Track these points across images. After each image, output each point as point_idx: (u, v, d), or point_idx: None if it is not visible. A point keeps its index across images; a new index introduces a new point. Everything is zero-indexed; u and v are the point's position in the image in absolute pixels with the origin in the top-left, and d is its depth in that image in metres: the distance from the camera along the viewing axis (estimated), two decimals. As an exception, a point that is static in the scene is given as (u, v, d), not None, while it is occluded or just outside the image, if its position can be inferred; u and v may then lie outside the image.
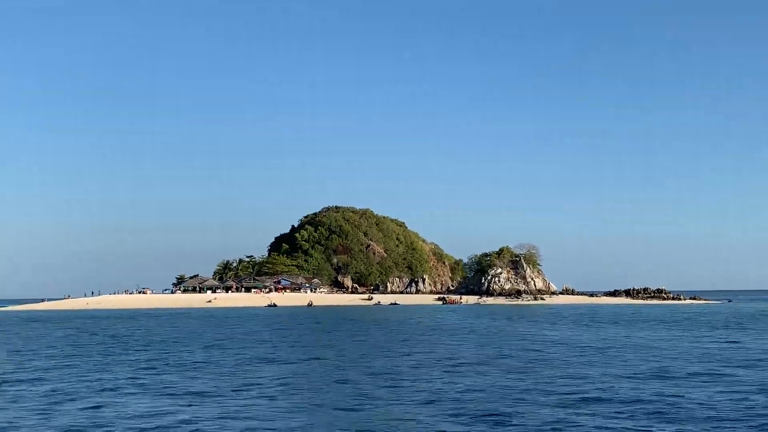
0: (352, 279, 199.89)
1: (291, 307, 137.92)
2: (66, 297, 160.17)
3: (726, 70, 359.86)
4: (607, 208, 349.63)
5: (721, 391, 23.49)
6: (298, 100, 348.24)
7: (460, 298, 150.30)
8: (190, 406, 21.54)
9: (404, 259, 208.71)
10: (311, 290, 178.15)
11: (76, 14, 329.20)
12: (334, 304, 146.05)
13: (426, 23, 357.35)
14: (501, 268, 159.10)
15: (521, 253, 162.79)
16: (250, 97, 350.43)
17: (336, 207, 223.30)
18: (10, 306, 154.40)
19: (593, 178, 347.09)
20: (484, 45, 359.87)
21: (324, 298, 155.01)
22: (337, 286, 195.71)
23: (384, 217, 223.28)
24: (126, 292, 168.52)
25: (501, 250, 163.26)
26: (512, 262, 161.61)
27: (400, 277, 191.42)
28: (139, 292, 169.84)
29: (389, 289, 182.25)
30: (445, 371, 29.46)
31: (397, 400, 22.22)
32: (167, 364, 33.23)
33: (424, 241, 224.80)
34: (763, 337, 49.26)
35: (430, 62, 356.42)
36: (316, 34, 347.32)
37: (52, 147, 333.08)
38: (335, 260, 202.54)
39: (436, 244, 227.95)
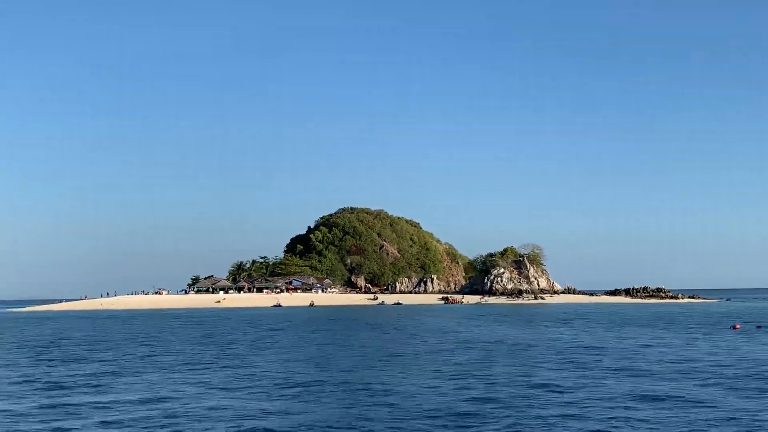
0: (366, 279, 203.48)
1: (295, 307, 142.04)
2: (83, 297, 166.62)
3: (726, 69, 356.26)
4: (615, 207, 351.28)
5: (572, 374, 26.09)
6: (321, 102, 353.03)
7: (462, 298, 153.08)
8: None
9: (417, 259, 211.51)
10: (322, 290, 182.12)
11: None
12: (337, 304, 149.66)
13: (440, 21, 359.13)
14: (504, 268, 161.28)
15: (525, 253, 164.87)
16: (268, 98, 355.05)
17: (351, 208, 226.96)
18: (28, 307, 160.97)
19: (603, 178, 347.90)
20: (498, 46, 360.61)
21: (329, 298, 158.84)
22: (351, 286, 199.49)
23: (399, 218, 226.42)
24: (142, 292, 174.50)
25: (505, 250, 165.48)
26: (516, 262, 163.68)
27: (409, 277, 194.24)
28: (155, 293, 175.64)
29: (398, 288, 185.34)
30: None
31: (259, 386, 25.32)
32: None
33: (438, 241, 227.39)
34: (696, 336, 50.99)
35: (443, 63, 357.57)
36: (331, 34, 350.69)
37: (63, 145, 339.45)
38: (349, 261, 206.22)
39: (450, 245, 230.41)
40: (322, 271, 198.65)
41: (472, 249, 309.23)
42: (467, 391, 25.09)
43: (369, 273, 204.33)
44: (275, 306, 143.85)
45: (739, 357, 35.76)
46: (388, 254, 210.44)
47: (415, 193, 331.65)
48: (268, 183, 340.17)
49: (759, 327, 59.31)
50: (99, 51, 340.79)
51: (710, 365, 32.13)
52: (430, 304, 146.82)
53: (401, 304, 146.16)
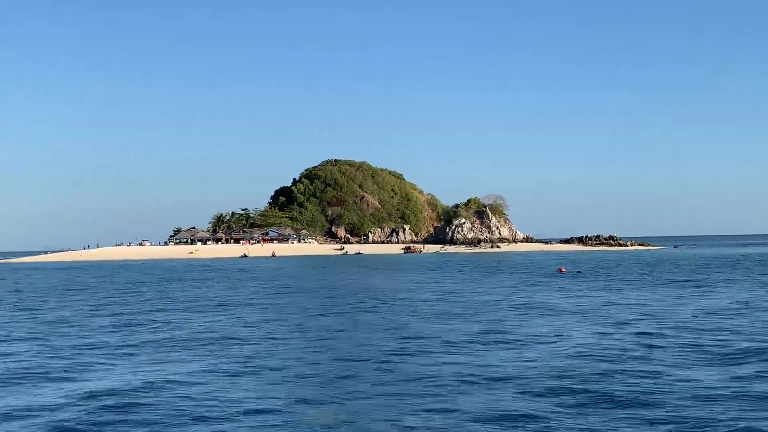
0: (346, 230, 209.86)
1: (261, 257, 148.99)
2: (67, 249, 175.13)
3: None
4: (584, 157, 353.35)
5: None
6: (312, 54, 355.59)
7: (423, 248, 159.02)
8: None
9: (398, 209, 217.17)
10: (298, 241, 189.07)
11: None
12: (300, 254, 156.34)
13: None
14: (465, 218, 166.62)
15: (488, 203, 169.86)
16: (256, 50, 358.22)
17: (335, 160, 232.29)
18: (13, 258, 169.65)
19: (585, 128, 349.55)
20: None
21: (293, 248, 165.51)
22: (331, 236, 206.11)
23: (381, 170, 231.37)
24: (128, 244, 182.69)
25: (469, 200, 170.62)
26: (478, 212, 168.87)
27: (381, 228, 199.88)
28: (139, 245, 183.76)
29: (371, 239, 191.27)
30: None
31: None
32: None
33: (420, 192, 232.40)
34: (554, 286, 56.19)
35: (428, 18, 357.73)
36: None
37: (49, 99, 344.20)
38: (329, 212, 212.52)
39: (432, 195, 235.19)
40: (302, 222, 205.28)
41: (456, 199, 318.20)
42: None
43: (349, 224, 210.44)
44: (242, 256, 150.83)
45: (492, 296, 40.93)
46: (368, 205, 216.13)
47: (399, 143, 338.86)
48: (257, 135, 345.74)
49: (579, 272, 64.36)
50: None
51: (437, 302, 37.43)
52: (390, 254, 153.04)
53: (361, 254, 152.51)
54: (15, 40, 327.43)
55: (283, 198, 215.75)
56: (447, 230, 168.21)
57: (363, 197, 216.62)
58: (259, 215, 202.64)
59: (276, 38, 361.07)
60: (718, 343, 21.86)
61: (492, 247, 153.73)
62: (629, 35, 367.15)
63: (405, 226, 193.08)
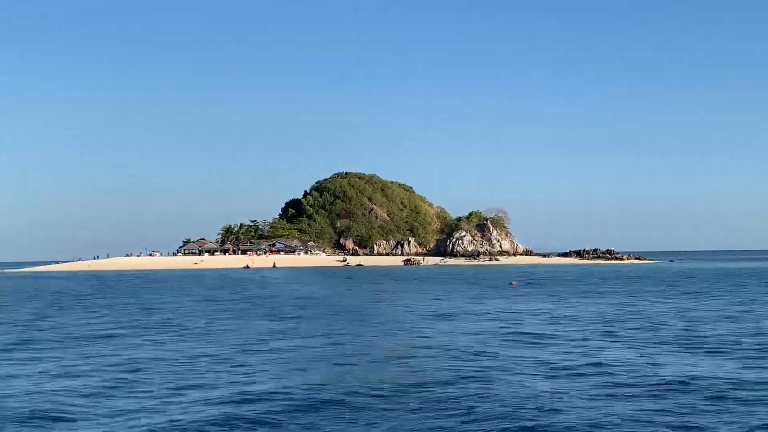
0: (354, 242, 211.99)
1: (262, 268, 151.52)
2: (78, 259, 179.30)
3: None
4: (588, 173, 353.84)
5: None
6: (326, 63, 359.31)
7: (423, 259, 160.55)
8: None
9: (406, 222, 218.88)
10: (305, 252, 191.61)
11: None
12: (302, 265, 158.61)
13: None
14: (466, 231, 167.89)
15: (490, 216, 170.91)
16: (270, 62, 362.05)
17: (345, 173, 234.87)
18: (26, 268, 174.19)
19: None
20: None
21: (294, 260, 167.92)
22: (339, 248, 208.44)
23: (391, 182, 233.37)
24: (136, 254, 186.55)
25: (470, 214, 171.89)
26: (479, 225, 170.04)
27: (387, 240, 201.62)
28: (149, 255, 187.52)
29: (376, 251, 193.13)
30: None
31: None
32: None
33: (430, 204, 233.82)
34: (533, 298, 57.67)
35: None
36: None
37: (60, 103, 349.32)
38: (338, 224, 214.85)
39: (442, 208, 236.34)
40: (311, 234, 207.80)
41: (466, 212, 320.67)
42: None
43: (357, 236, 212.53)
44: (245, 267, 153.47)
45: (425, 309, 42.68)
46: (377, 217, 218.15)
47: (411, 156, 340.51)
48: (271, 147, 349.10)
49: (529, 283, 65.48)
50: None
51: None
52: (389, 266, 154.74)
53: (362, 266, 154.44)
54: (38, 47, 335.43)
55: (293, 210, 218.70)
56: (448, 243, 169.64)
57: (372, 210, 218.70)
58: (268, 227, 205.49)
59: (290, 50, 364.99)
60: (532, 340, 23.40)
61: (490, 259, 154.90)
62: (634, 51, 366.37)
63: (410, 239, 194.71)
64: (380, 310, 38.61)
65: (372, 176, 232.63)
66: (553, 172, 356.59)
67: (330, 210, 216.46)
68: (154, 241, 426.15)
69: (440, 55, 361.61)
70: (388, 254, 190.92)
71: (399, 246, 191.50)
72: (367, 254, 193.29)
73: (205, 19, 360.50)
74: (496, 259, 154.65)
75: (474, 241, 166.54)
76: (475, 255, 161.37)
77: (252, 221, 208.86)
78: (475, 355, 21.89)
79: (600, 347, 23.47)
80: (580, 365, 19.71)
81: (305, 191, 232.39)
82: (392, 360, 21.34)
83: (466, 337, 26.65)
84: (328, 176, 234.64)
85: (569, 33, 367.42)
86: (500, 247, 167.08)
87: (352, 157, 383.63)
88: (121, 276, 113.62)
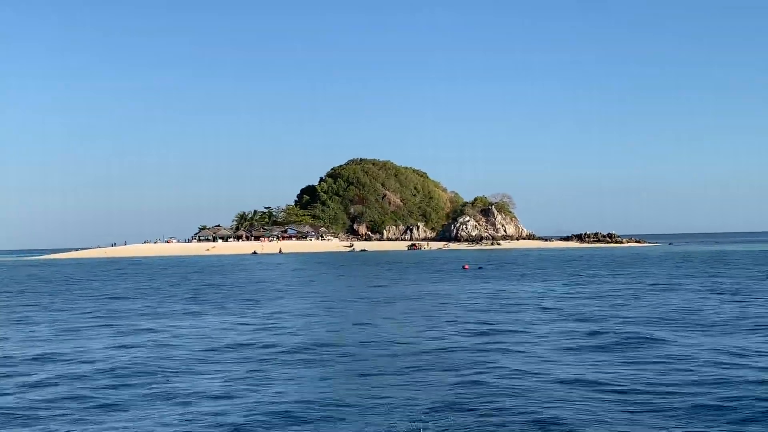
0: (367, 227, 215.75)
1: (270, 254, 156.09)
2: (97, 246, 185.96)
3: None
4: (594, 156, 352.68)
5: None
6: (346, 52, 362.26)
7: (427, 244, 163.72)
8: None
9: (419, 207, 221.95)
10: (317, 238, 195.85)
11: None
12: (308, 250, 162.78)
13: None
14: (470, 216, 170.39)
15: (494, 201, 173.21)
16: (285, 49, 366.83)
17: (359, 159, 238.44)
18: (48, 255, 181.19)
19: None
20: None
21: (300, 245, 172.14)
22: (353, 233, 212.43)
23: (405, 168, 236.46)
24: (153, 241, 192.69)
25: (475, 199, 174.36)
26: (483, 210, 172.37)
27: (396, 225, 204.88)
28: (166, 242, 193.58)
29: (385, 236, 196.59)
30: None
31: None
32: None
33: (444, 190, 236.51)
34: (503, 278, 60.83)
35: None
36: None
37: (74, 100, 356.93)
38: (352, 210, 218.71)
39: (456, 193, 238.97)
40: (324, 219, 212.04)
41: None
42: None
43: (370, 221, 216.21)
44: (252, 253, 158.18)
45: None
46: (390, 203, 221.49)
47: (427, 141, 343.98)
48: (288, 135, 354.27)
49: (480, 267, 68.27)
50: None
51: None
52: (393, 251, 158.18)
53: (366, 251, 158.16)
54: (37, 40, 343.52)
55: (308, 196, 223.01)
56: (452, 228, 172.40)
57: (385, 195, 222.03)
58: (282, 213, 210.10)
59: (305, 37, 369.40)
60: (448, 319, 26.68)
61: (492, 244, 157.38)
62: (634, 36, 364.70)
63: (419, 224, 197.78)
64: (270, 287, 41.85)
65: (386, 162, 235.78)
66: (562, 156, 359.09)
67: (344, 196, 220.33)
68: (175, 228, 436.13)
69: (455, 43, 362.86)
70: (397, 239, 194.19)
71: (408, 231, 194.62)
72: (378, 239, 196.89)
73: (220, 10, 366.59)
74: (498, 244, 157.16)
75: (478, 226, 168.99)
76: (477, 240, 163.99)
77: (266, 208, 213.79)
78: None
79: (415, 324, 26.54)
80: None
81: (321, 178, 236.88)
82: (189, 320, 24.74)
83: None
84: (343, 163, 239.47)
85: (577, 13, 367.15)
86: (505, 231, 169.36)
87: (369, 145, 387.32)
88: (113, 263, 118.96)
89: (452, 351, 20.28)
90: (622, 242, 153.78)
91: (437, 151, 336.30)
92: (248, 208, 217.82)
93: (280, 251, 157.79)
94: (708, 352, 19.23)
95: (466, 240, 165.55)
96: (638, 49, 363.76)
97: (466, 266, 69.42)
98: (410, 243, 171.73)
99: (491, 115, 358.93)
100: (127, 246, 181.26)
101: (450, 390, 15.27)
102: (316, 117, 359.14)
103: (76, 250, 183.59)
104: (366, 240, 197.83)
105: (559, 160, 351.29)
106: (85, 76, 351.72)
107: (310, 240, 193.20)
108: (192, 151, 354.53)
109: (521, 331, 24.08)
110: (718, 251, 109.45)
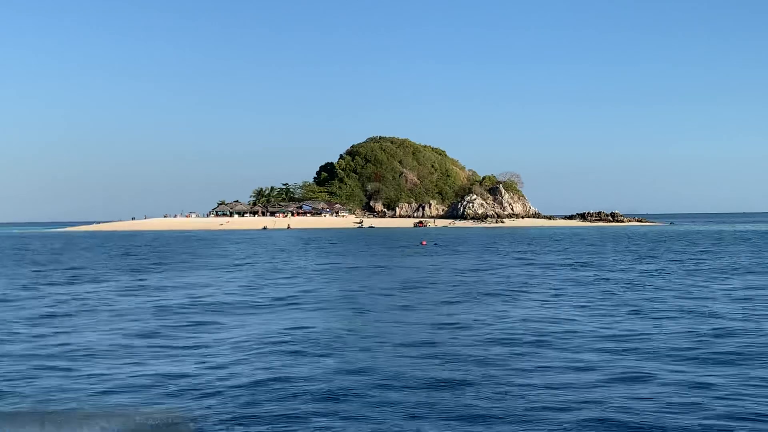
0: (383, 204, 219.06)
1: (280, 229, 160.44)
2: (118, 220, 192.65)
3: None
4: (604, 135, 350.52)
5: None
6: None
7: (433, 222, 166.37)
8: None
9: (436, 185, 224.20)
10: (332, 214, 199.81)
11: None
12: (317, 226, 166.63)
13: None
14: (477, 194, 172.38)
15: (503, 180, 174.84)
16: (305, 31, 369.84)
17: (378, 137, 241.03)
18: (71, 227, 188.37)
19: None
20: None
21: (308, 221, 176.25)
22: (369, 210, 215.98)
23: (424, 146, 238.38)
24: (173, 215, 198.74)
25: (484, 177, 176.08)
26: (491, 189, 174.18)
27: (409, 203, 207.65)
28: (186, 216, 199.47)
29: (398, 213, 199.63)
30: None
31: None
32: None
33: (462, 168, 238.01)
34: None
35: None
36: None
37: (104, 78, 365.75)
38: (369, 187, 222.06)
39: (474, 171, 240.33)
40: (341, 196, 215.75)
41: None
42: None
43: (386, 198, 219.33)
44: (263, 228, 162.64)
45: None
46: (407, 181, 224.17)
47: (446, 120, 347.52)
48: (311, 114, 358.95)
49: (435, 244, 70.85)
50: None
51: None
52: (399, 227, 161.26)
53: (373, 227, 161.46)
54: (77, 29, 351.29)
55: (326, 173, 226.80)
56: (459, 206, 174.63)
57: (402, 173, 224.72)
58: (299, 189, 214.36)
59: (323, 19, 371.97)
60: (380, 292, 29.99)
61: (497, 222, 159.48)
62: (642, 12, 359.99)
63: (431, 201, 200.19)
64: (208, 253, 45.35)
65: (404, 140, 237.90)
66: (575, 135, 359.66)
67: (361, 173, 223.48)
68: (199, 202, 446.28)
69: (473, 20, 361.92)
70: (409, 216, 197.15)
71: (420, 209, 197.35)
72: (392, 216, 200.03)
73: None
74: (502, 222, 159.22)
75: (485, 204, 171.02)
76: (482, 218, 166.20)
77: (284, 184, 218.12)
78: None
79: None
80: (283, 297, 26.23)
81: (339, 155, 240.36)
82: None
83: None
84: (362, 140, 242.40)
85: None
86: (512, 209, 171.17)
87: (390, 124, 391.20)
88: (114, 235, 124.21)
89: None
90: (623, 221, 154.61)
91: (457, 131, 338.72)
92: (269, 185, 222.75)
93: (288, 227, 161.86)
94: None
95: (472, 218, 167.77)
96: (645, 33, 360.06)
97: (424, 242, 72.15)
98: (417, 221, 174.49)
99: (505, 93, 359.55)
100: (146, 220, 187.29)
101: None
102: (341, 95, 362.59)
103: (97, 222, 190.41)
104: (381, 217, 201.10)
105: (564, 139, 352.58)
106: (114, 48, 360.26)
107: (324, 216, 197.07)
108: (217, 130, 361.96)
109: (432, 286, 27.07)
110: (730, 230, 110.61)
